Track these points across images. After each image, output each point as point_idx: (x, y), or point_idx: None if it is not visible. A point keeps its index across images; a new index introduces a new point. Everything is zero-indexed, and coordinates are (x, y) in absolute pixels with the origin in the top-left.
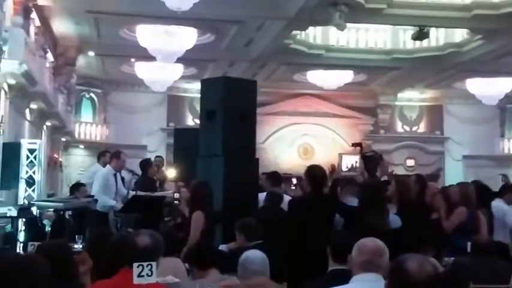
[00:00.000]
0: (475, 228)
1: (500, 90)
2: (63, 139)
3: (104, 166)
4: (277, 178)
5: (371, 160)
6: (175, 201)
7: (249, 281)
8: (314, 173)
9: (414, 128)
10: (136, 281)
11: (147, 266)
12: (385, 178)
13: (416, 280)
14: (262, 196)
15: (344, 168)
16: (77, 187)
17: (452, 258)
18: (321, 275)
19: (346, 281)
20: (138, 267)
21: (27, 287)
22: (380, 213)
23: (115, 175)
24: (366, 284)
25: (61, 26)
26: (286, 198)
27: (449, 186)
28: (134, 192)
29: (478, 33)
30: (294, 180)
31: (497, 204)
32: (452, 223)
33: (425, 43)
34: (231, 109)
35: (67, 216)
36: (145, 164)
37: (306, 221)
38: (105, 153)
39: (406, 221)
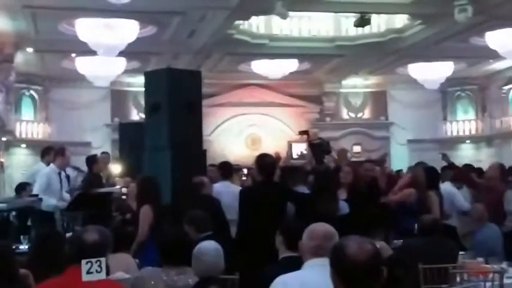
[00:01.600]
0: (424, 209)
1: (441, 74)
2: (4, 139)
3: (48, 165)
4: (228, 169)
5: (318, 147)
6: (122, 197)
7: None
8: (264, 161)
9: (359, 115)
10: (85, 277)
11: (95, 262)
12: (333, 165)
13: (358, 261)
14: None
15: (294, 156)
16: (23, 186)
17: (401, 241)
18: (273, 263)
19: (297, 267)
20: (86, 263)
21: None
22: (332, 200)
23: (59, 173)
24: (317, 268)
25: None
26: (238, 188)
27: (400, 170)
28: (79, 190)
29: (418, 19)
30: (245, 171)
31: (445, 186)
32: (397, 198)
33: (367, 30)
34: (176, 101)
35: (11, 217)
36: (91, 160)
37: (258, 210)
38: (49, 150)
39: (356, 206)
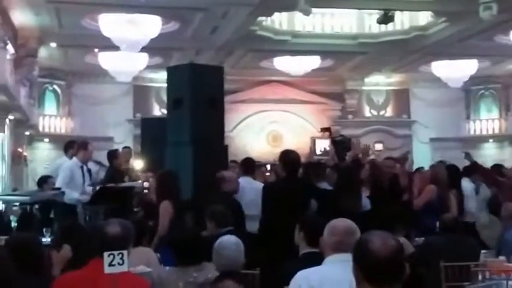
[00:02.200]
0: (444, 207)
1: (465, 72)
2: (27, 133)
3: (71, 158)
4: (251, 165)
5: (340, 144)
6: (144, 191)
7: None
8: (288, 157)
9: (382, 112)
10: (107, 270)
11: (118, 254)
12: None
13: (381, 256)
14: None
15: (317, 152)
16: (45, 180)
17: (422, 239)
18: (293, 259)
19: (318, 262)
20: (108, 256)
21: None
22: (355, 197)
23: (82, 167)
24: (338, 263)
25: (21, 17)
26: (259, 185)
27: (422, 168)
28: (100, 184)
29: (442, 16)
30: (268, 167)
31: (465, 184)
32: (422, 200)
33: (390, 27)
34: (198, 96)
35: (34, 210)
36: (112, 154)
37: (281, 205)
38: (72, 144)
39: (377, 203)
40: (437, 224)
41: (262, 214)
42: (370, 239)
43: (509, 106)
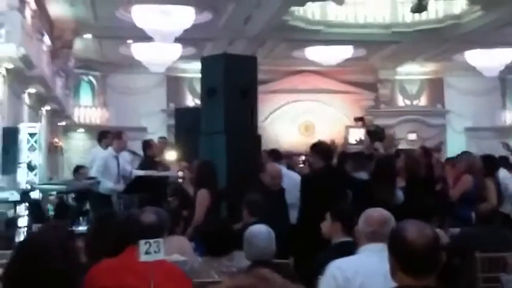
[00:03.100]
0: (481, 197)
1: (501, 61)
2: (63, 123)
3: (105, 148)
4: (278, 154)
5: (373, 134)
6: (179, 181)
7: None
8: (321, 147)
9: (415, 102)
10: (143, 258)
11: (154, 242)
12: (389, 151)
13: (417, 245)
14: None
15: (352, 142)
16: (79, 169)
17: (458, 229)
18: (327, 249)
19: (352, 252)
20: (144, 244)
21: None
22: (390, 188)
23: (116, 157)
24: (373, 253)
25: (57, 9)
26: (293, 174)
27: (457, 157)
28: (137, 172)
29: (477, 4)
30: (302, 157)
31: (503, 173)
32: (458, 190)
33: (424, 16)
34: (232, 86)
35: (70, 199)
36: (146, 144)
37: (320, 196)
38: (106, 134)
39: (413, 194)
40: (473, 214)
41: (302, 205)
42: (406, 228)
43: None
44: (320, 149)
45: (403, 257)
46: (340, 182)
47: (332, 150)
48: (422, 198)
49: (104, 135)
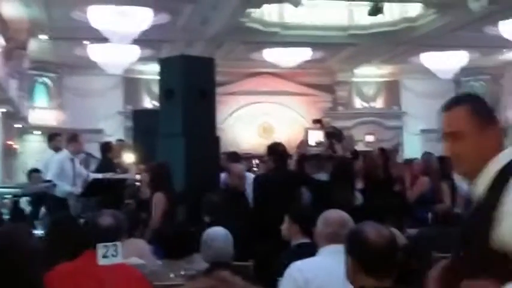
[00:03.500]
0: (437, 199)
1: (455, 63)
2: (17, 125)
3: (54, 150)
4: (237, 157)
5: (332, 136)
6: (136, 183)
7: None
8: (276, 149)
9: (372, 104)
10: (101, 262)
11: (112, 246)
12: (347, 154)
13: (378, 246)
14: (223, 176)
15: (312, 143)
16: (33, 172)
17: (415, 230)
18: (287, 250)
19: (311, 253)
20: (102, 247)
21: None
22: (349, 189)
23: (72, 160)
24: (333, 254)
25: (10, 9)
26: (250, 176)
27: (415, 159)
28: (94, 175)
29: (432, 7)
30: (257, 161)
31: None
32: (415, 192)
33: (380, 18)
34: (190, 88)
35: (22, 203)
36: (105, 147)
37: (271, 197)
38: (55, 136)
39: (371, 195)
40: (430, 215)
41: (254, 205)
42: (365, 229)
43: (499, 97)
44: (272, 150)
45: (365, 258)
46: (291, 183)
47: (285, 151)
48: (380, 199)
49: (52, 138)
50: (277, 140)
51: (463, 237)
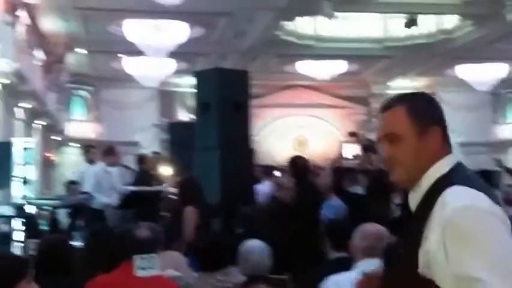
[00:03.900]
0: None
1: (493, 75)
2: (56, 138)
3: (89, 162)
4: (271, 170)
5: (367, 149)
6: (171, 196)
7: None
8: (296, 162)
9: None
10: (138, 273)
11: (149, 258)
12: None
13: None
14: (259, 187)
15: (349, 156)
16: (70, 184)
17: None
18: (324, 264)
19: (348, 267)
20: (139, 259)
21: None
22: (385, 202)
23: (108, 172)
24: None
25: (50, 24)
26: None
27: None
28: (131, 187)
29: (469, 19)
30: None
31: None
32: None
33: (416, 31)
34: (225, 100)
35: (63, 214)
36: (141, 159)
37: (293, 212)
38: (90, 149)
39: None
40: None
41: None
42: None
43: None
44: (293, 163)
45: None
46: (309, 197)
47: (305, 165)
48: None
49: (87, 150)
50: (312, 154)
51: (388, 255)
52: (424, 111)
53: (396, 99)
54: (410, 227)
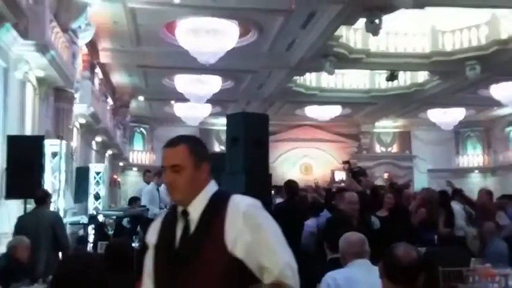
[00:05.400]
0: (435, 224)
1: (455, 118)
2: (121, 163)
3: (146, 182)
4: (281, 189)
5: (357, 173)
6: None
7: None
8: (290, 185)
9: (389, 149)
10: None
11: None
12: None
13: (403, 262)
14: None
15: (337, 180)
16: (134, 200)
17: (424, 248)
18: (323, 263)
19: (342, 265)
20: None
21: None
22: (367, 216)
23: (158, 189)
24: (360, 266)
25: (118, 78)
26: None
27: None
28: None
29: (437, 75)
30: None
31: (454, 205)
32: (416, 219)
33: (395, 83)
34: (249, 136)
35: (125, 223)
36: None
37: (284, 221)
38: (146, 172)
39: (394, 221)
40: (435, 237)
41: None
42: (396, 248)
43: (491, 144)
44: (287, 185)
45: (394, 271)
46: (297, 210)
47: (295, 186)
48: (399, 225)
49: (144, 173)
50: (315, 178)
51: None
52: (199, 150)
53: (180, 139)
54: (202, 226)
